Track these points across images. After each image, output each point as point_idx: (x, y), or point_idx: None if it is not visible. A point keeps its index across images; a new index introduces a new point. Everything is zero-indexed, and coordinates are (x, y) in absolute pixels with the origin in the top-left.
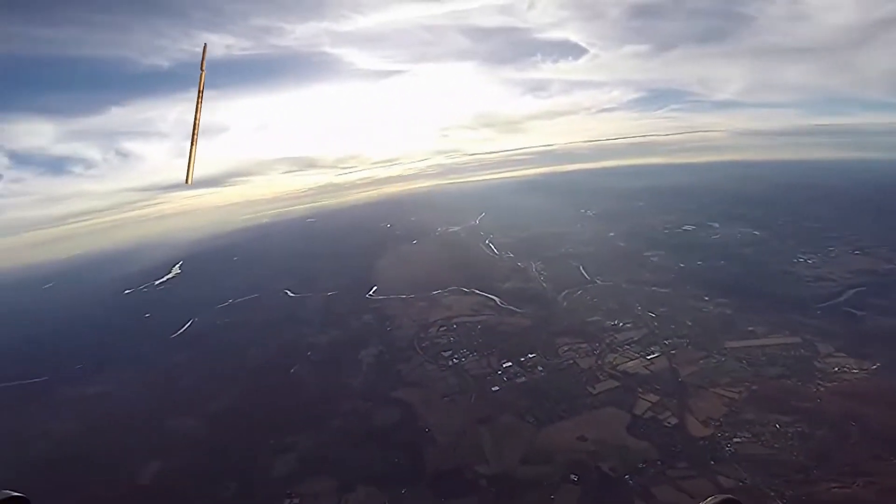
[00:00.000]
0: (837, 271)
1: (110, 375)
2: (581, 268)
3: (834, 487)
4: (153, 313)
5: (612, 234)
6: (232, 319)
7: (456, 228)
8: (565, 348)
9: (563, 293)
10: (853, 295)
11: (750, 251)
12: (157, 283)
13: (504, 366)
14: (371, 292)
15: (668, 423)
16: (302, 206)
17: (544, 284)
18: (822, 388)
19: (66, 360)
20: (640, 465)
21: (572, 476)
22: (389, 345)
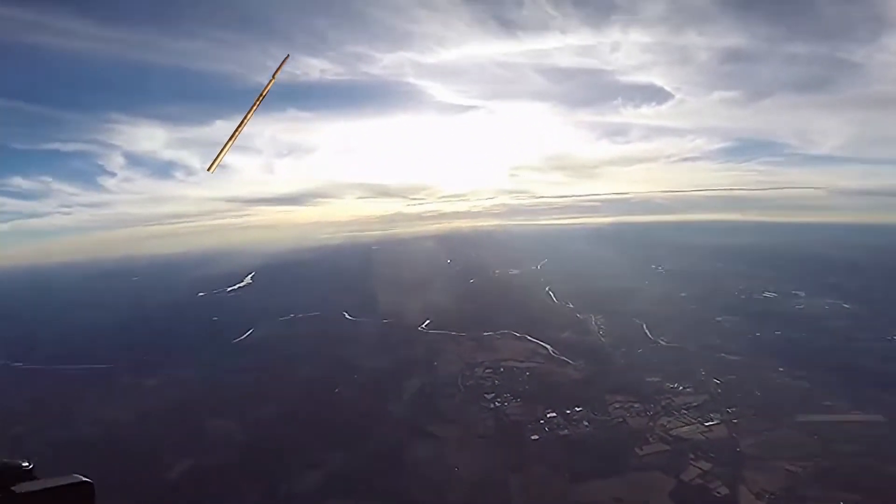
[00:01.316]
0: None
1: (169, 370)
2: (644, 326)
3: None
4: (221, 317)
5: (683, 294)
6: (290, 332)
7: (516, 271)
8: (616, 406)
9: (622, 350)
10: None
11: (837, 324)
12: (229, 289)
13: (548, 415)
14: (424, 325)
15: (718, 492)
16: (371, 233)
17: (602, 339)
18: None
19: (133, 350)
20: None
21: None
22: (434, 379)
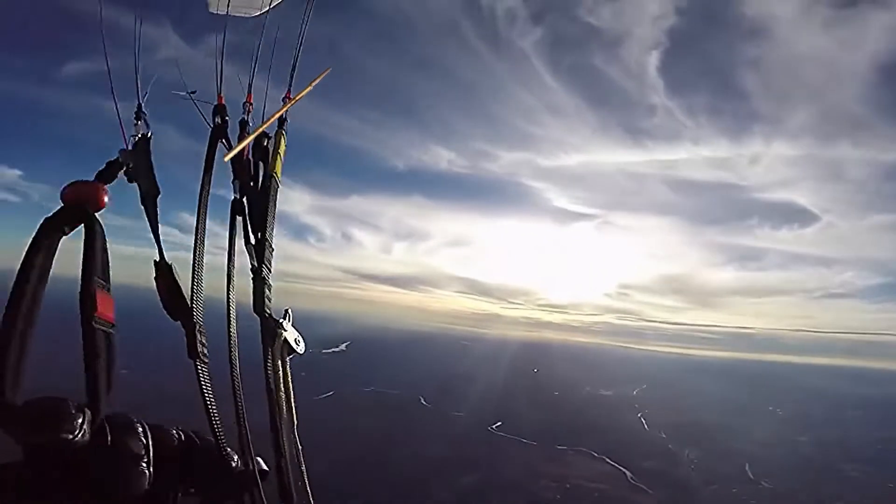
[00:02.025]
0: None
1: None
2: (747, 466)
3: None
4: (308, 374)
5: (803, 438)
6: (365, 404)
7: (608, 392)
8: None
9: (713, 487)
10: None
11: None
12: (323, 351)
13: None
14: (496, 426)
15: None
16: (463, 328)
17: (693, 472)
18: None
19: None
20: None
21: None
22: (492, 479)
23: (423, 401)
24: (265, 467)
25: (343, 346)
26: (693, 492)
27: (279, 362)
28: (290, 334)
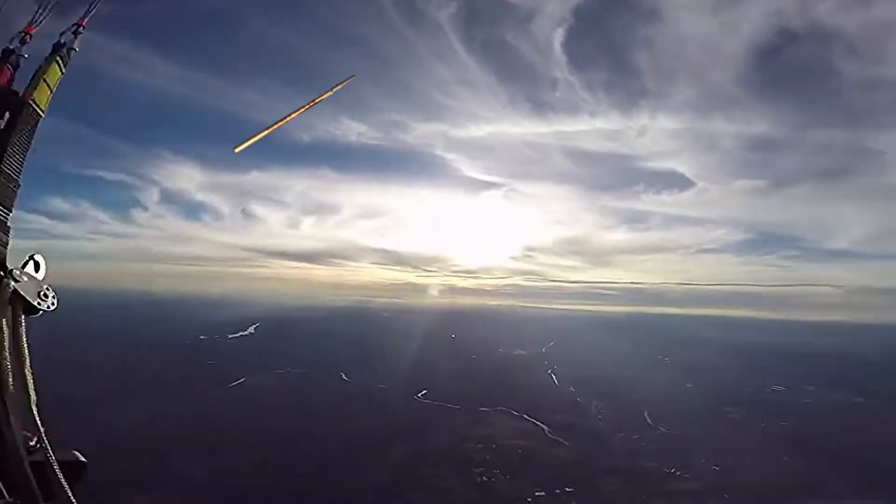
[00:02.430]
0: None
1: (152, 403)
2: (646, 413)
3: None
4: (216, 361)
5: (689, 385)
6: (282, 384)
7: (521, 352)
8: (608, 488)
9: (620, 435)
10: None
11: (845, 417)
12: (230, 335)
13: (535, 494)
14: (420, 394)
15: None
16: (381, 300)
17: (601, 423)
18: None
19: (121, 380)
20: None
21: None
22: (422, 448)
23: (344, 377)
24: (82, 459)
25: (251, 329)
26: (604, 441)
27: (3, 321)
28: (29, 286)
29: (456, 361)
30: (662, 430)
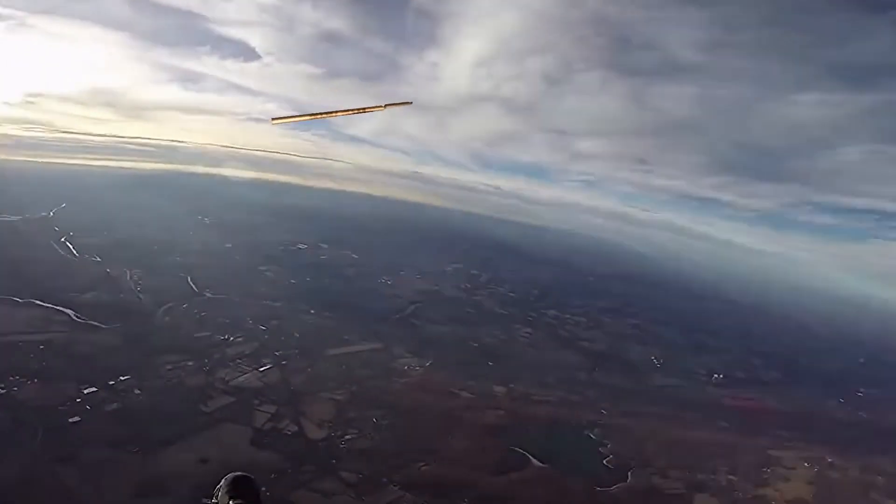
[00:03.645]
0: (405, 291)
1: None
2: (189, 279)
3: (423, 466)
4: None
5: (228, 245)
6: None
7: (14, 218)
8: (168, 367)
9: (165, 307)
10: (414, 309)
11: (351, 271)
12: None
13: (86, 392)
14: None
15: (289, 430)
16: None
17: (141, 296)
18: (398, 384)
19: None
20: (273, 476)
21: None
22: None
23: None
24: None
25: None
26: (149, 317)
27: None
28: None
29: None
30: (209, 295)
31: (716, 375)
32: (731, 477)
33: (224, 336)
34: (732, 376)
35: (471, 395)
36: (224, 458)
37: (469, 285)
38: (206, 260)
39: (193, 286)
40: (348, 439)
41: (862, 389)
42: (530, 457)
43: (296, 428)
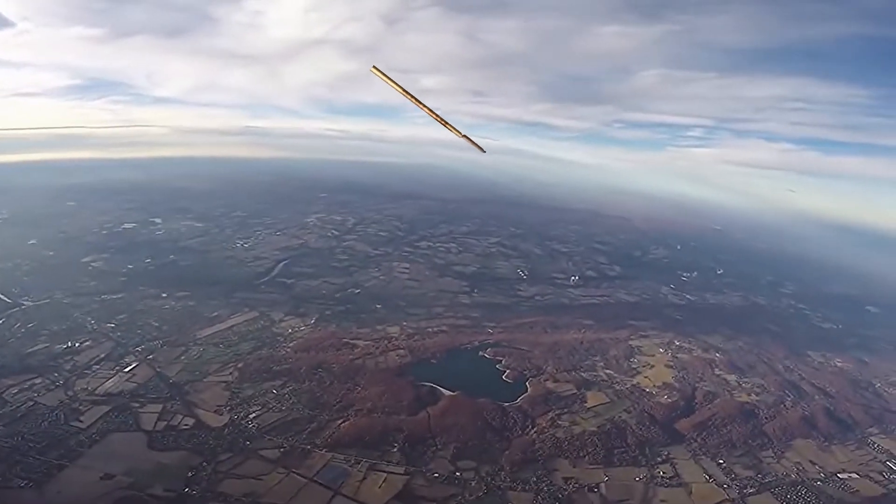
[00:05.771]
0: (267, 250)
1: None
2: None
3: (341, 423)
4: None
5: (33, 241)
6: None
7: None
8: (14, 391)
9: None
10: (282, 268)
11: (196, 242)
12: None
13: None
14: None
15: (185, 425)
16: None
17: None
18: (288, 349)
19: None
20: (190, 475)
21: None
22: None
23: None
24: None
25: None
26: None
27: None
28: None
29: None
30: (28, 303)
31: (573, 278)
32: (608, 371)
33: (66, 344)
34: (585, 276)
35: (367, 341)
36: (128, 469)
37: (336, 232)
38: (12, 263)
39: (3, 297)
40: (254, 417)
41: (686, 274)
42: (440, 388)
43: (192, 420)
